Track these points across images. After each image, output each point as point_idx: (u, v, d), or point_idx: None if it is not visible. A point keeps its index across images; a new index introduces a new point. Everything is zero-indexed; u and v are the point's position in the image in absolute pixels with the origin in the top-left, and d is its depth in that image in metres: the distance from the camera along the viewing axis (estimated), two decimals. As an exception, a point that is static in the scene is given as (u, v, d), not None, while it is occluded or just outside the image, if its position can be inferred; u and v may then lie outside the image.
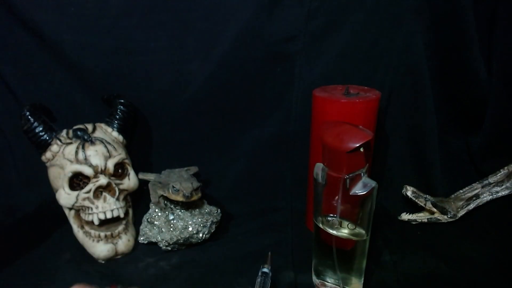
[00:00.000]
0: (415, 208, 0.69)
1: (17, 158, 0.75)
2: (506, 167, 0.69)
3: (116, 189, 0.61)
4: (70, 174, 0.60)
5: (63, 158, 0.61)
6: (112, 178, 0.62)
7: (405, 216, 0.69)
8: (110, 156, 0.62)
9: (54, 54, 0.70)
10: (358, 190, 0.45)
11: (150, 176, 0.69)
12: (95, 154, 0.61)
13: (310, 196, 0.65)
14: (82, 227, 0.61)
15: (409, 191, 0.68)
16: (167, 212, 0.63)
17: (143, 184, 0.71)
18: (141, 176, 0.69)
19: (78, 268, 0.58)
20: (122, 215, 0.61)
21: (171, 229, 0.62)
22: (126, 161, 0.65)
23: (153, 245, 0.63)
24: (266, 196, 0.77)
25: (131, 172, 0.65)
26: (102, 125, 0.68)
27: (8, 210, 0.72)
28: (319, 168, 0.47)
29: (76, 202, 0.60)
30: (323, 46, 0.72)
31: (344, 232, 0.48)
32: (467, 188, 0.70)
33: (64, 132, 0.63)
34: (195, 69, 0.72)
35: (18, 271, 0.57)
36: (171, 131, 0.76)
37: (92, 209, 0.59)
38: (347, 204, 0.46)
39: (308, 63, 0.72)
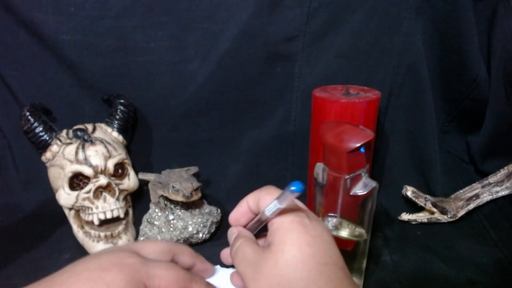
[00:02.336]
0: (415, 208, 0.69)
1: (17, 158, 0.75)
2: (506, 167, 0.69)
3: (116, 189, 0.61)
4: (70, 174, 0.60)
5: (63, 158, 0.61)
6: (112, 178, 0.62)
7: (405, 216, 0.69)
8: (110, 156, 0.62)
9: (54, 54, 0.69)
10: (359, 190, 0.45)
11: (150, 176, 0.69)
12: (95, 154, 0.61)
13: (310, 196, 0.65)
14: (82, 227, 0.61)
15: (409, 191, 0.68)
16: (167, 212, 0.63)
17: (143, 184, 0.71)
18: (141, 176, 0.69)
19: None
20: (122, 215, 0.61)
21: (171, 229, 0.62)
22: (126, 161, 0.65)
23: (153, 245, 0.62)
24: (266, 196, 0.77)
25: (131, 172, 0.65)
26: (102, 125, 0.68)
27: (8, 210, 0.72)
28: (319, 168, 0.47)
29: (76, 202, 0.60)
30: (323, 46, 0.72)
31: (344, 232, 0.48)
32: (467, 188, 0.70)
33: (64, 132, 0.63)
34: (195, 69, 0.72)
35: (18, 271, 0.57)
36: (171, 131, 0.76)
37: (92, 209, 0.59)
38: (348, 204, 0.46)
39: (308, 63, 0.72)
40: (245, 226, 0.45)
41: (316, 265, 0.35)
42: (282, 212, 0.39)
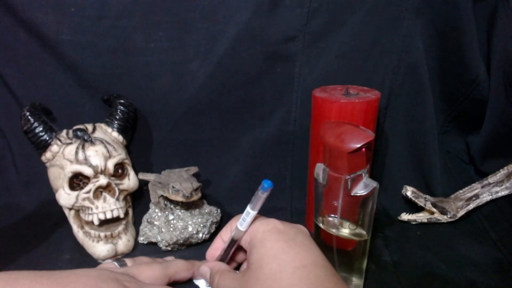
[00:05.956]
0: (415, 208, 0.69)
1: (17, 158, 0.75)
2: (506, 167, 0.69)
3: (116, 189, 0.61)
4: (70, 174, 0.60)
5: (63, 158, 0.61)
6: (112, 178, 0.62)
7: (405, 216, 0.69)
8: (110, 156, 0.62)
9: (54, 54, 0.69)
10: (359, 190, 0.45)
11: (150, 176, 0.69)
12: (95, 154, 0.61)
13: (310, 196, 0.65)
14: (82, 227, 0.61)
15: (409, 191, 0.68)
16: (167, 212, 0.63)
17: (143, 184, 0.71)
18: (141, 176, 0.69)
19: (78, 268, 0.58)
20: (122, 215, 0.61)
21: (171, 229, 0.62)
22: (126, 161, 0.65)
23: (153, 245, 0.63)
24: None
25: (131, 172, 0.65)
26: (102, 125, 0.68)
27: (8, 210, 0.72)
28: (320, 169, 0.48)
29: (76, 202, 0.60)
30: (323, 46, 0.72)
31: (345, 232, 0.48)
32: (467, 188, 0.70)
33: (64, 132, 0.63)
34: (195, 69, 0.72)
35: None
36: (171, 131, 0.76)
37: (92, 209, 0.59)
38: (348, 205, 0.46)
39: (308, 63, 0.73)
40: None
41: (294, 270, 0.35)
42: (252, 227, 0.41)
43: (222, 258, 0.47)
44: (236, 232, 0.42)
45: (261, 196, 0.39)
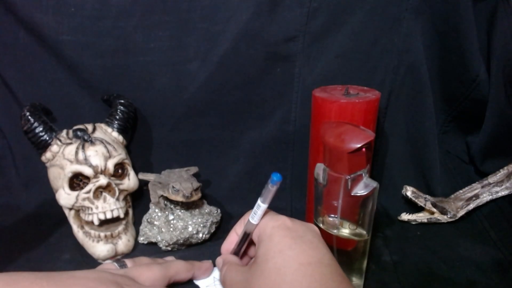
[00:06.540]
0: (415, 208, 0.69)
1: (17, 158, 0.75)
2: (506, 167, 0.69)
3: (116, 189, 0.61)
4: (70, 174, 0.60)
5: (63, 158, 0.61)
6: (112, 178, 0.62)
7: (405, 216, 0.69)
8: (110, 156, 0.62)
9: (54, 54, 0.69)
10: (360, 190, 0.45)
11: (150, 176, 0.69)
12: (95, 154, 0.61)
13: (310, 196, 0.65)
14: (82, 227, 0.61)
15: (409, 191, 0.68)
16: (167, 212, 0.63)
17: (143, 184, 0.71)
18: (141, 176, 0.69)
19: (78, 268, 0.58)
20: (122, 215, 0.61)
21: (171, 229, 0.62)
22: (126, 161, 0.65)
23: (153, 245, 0.63)
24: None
25: (131, 172, 0.65)
26: (102, 125, 0.68)
27: (8, 210, 0.72)
28: (320, 169, 0.48)
29: (76, 202, 0.60)
30: (323, 46, 0.72)
31: (345, 232, 0.48)
32: (467, 188, 0.70)
33: (64, 132, 0.63)
34: (195, 69, 0.72)
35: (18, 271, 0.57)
36: (171, 131, 0.76)
37: (92, 209, 0.59)
38: (348, 205, 0.46)
39: (308, 63, 0.72)
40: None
41: (298, 266, 0.35)
42: (262, 222, 0.41)
43: (235, 252, 0.48)
44: (248, 225, 0.43)
45: (270, 189, 0.40)
